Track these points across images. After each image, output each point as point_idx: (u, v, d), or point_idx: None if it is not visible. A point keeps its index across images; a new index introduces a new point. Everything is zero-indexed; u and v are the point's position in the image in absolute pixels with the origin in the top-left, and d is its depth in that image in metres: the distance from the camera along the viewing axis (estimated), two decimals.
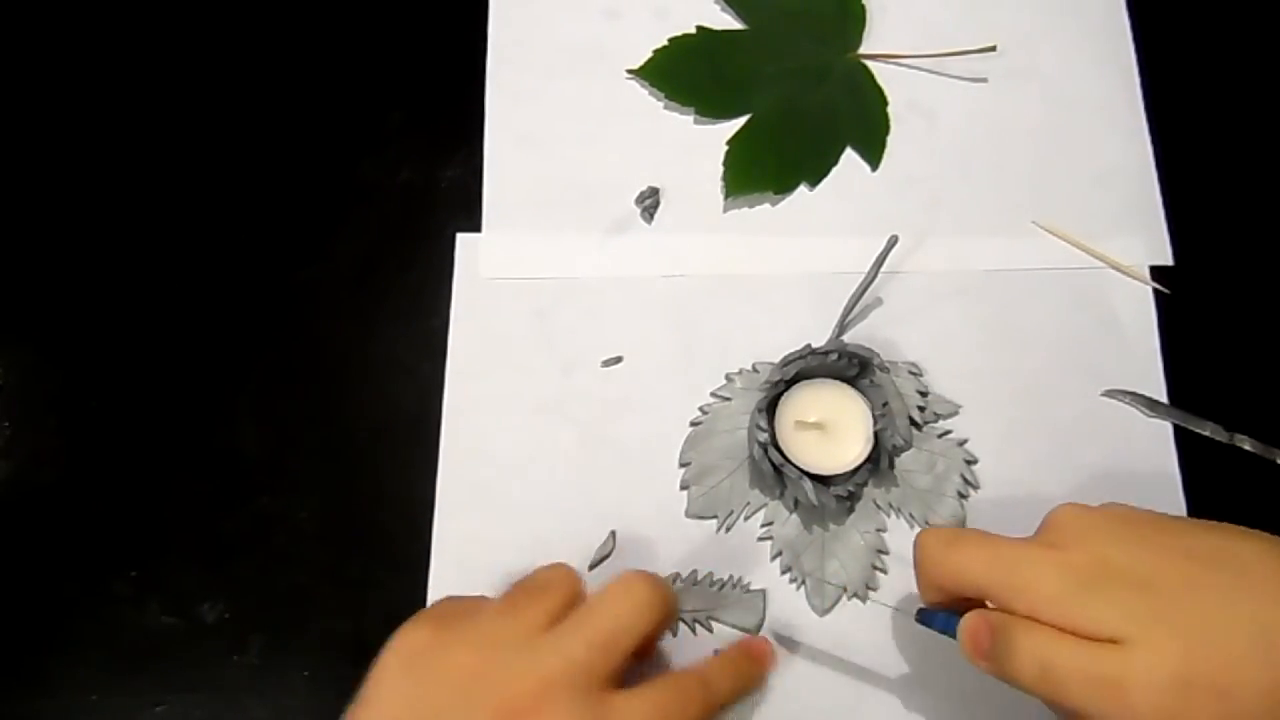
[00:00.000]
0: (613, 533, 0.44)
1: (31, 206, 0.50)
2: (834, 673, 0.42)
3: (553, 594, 0.37)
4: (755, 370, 0.46)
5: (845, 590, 0.43)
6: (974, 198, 0.49)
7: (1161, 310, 0.47)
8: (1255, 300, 0.47)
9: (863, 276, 0.46)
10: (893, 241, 0.46)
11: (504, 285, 0.47)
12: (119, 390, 0.47)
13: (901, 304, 0.47)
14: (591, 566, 0.43)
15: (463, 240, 0.48)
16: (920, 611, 0.38)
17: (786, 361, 0.43)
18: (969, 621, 0.35)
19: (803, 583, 0.43)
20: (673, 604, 0.38)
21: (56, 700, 0.38)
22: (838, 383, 0.43)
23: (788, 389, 0.43)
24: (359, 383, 0.47)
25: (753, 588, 0.43)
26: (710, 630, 0.43)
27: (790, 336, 0.45)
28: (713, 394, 0.46)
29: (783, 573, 0.43)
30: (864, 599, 0.43)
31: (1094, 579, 0.33)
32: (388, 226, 0.49)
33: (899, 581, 0.43)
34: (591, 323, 0.47)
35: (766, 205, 0.49)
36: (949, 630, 0.36)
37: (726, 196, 0.49)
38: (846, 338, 0.46)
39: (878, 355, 0.44)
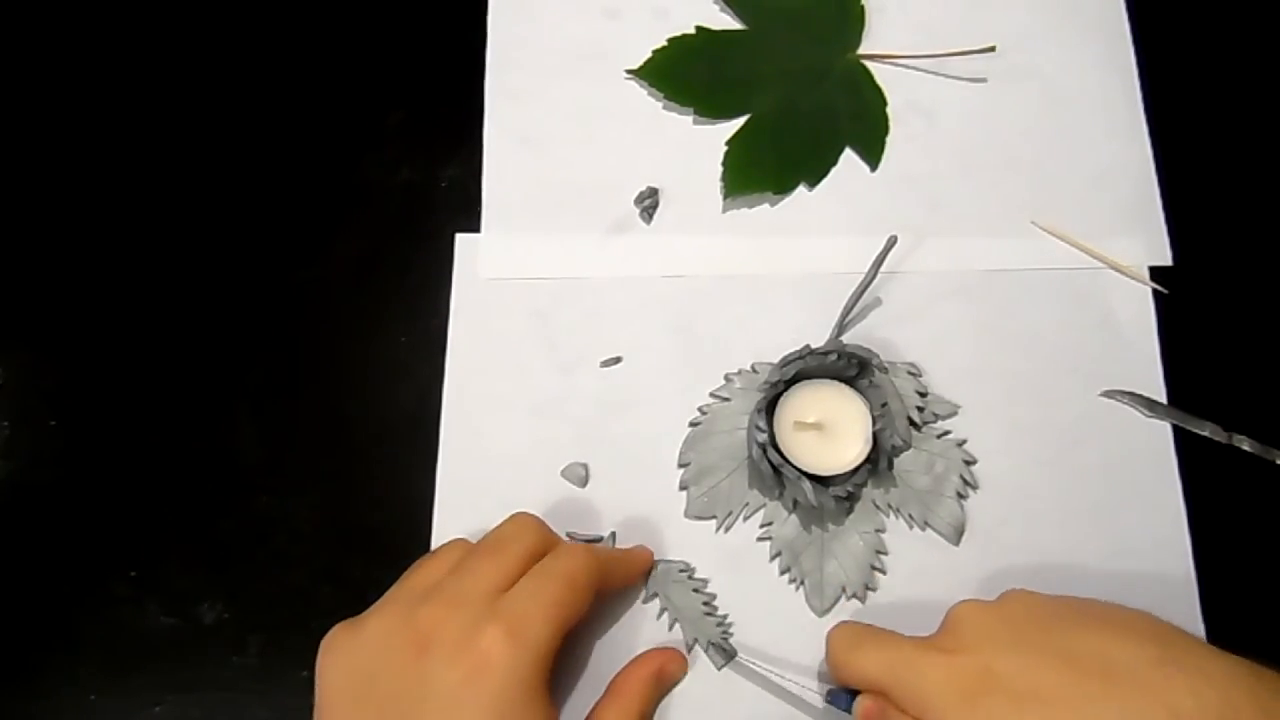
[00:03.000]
0: (613, 533, 0.44)
1: (31, 206, 0.50)
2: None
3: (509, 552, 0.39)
4: (754, 370, 0.46)
5: (844, 590, 0.43)
6: (974, 198, 0.49)
7: (1161, 310, 0.47)
8: (1255, 300, 0.47)
9: (862, 276, 0.46)
10: (892, 241, 0.46)
11: (504, 285, 0.47)
12: (119, 390, 0.47)
13: (901, 304, 0.47)
14: None
15: (462, 240, 0.48)
16: (830, 692, 0.40)
17: (786, 362, 0.43)
18: (862, 703, 0.38)
19: (802, 583, 0.43)
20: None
21: (56, 700, 0.38)
22: (837, 383, 0.43)
23: (787, 389, 0.43)
24: (359, 383, 0.47)
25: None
26: None
27: (790, 336, 0.45)
28: (712, 394, 0.46)
29: (781, 573, 0.43)
30: (863, 599, 0.43)
31: (977, 689, 0.35)
32: (388, 226, 0.49)
33: (897, 582, 0.43)
34: (591, 323, 0.47)
35: (766, 205, 0.49)
36: (848, 709, 0.38)
37: (726, 196, 0.49)
38: (846, 338, 0.46)
39: (877, 355, 0.44)
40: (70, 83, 0.52)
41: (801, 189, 0.49)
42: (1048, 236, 0.46)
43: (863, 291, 0.46)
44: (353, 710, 0.37)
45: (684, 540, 0.44)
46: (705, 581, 0.43)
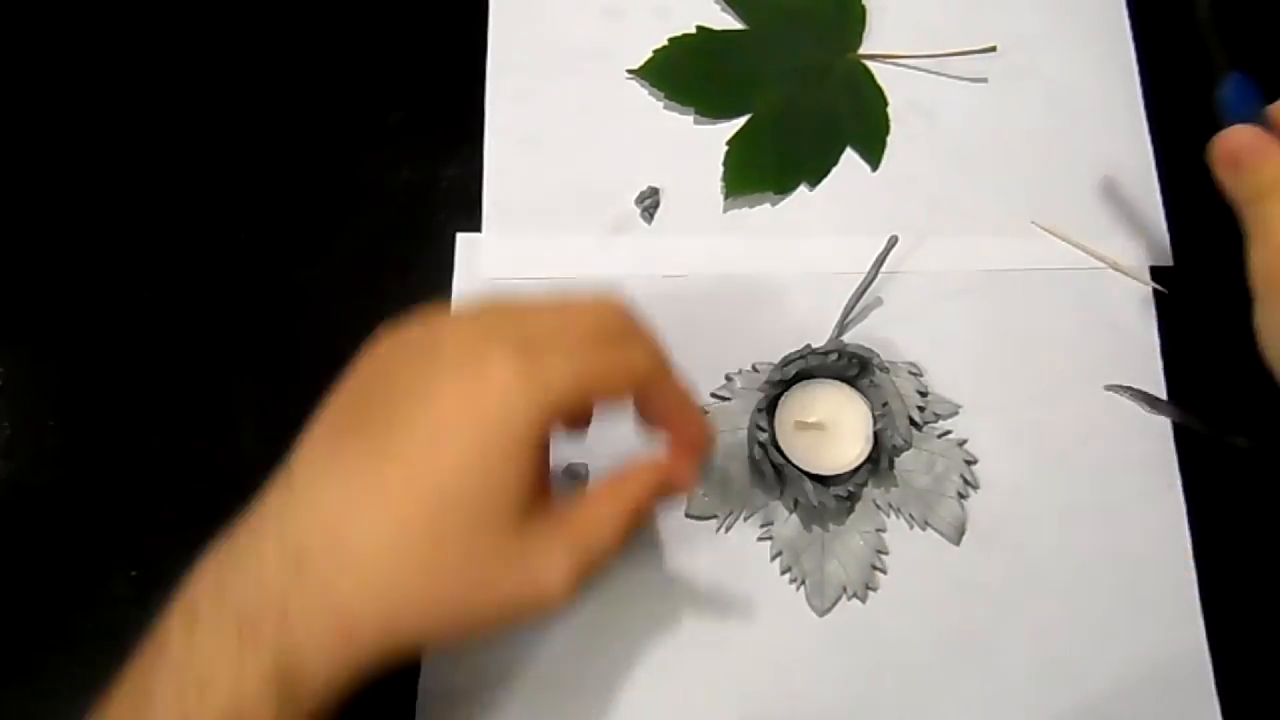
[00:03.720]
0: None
1: (31, 206, 0.50)
2: (834, 673, 0.42)
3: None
4: (755, 370, 0.46)
5: (845, 590, 0.43)
6: (974, 198, 0.49)
7: (1161, 310, 0.47)
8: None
9: (862, 276, 0.46)
10: (893, 241, 0.46)
11: (504, 285, 0.47)
12: (119, 390, 0.47)
13: (901, 304, 0.47)
14: None
15: (463, 240, 0.48)
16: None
17: (786, 361, 0.43)
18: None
19: (802, 582, 0.43)
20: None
21: (56, 700, 0.38)
22: (838, 383, 0.43)
23: (787, 389, 0.43)
24: None
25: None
26: None
27: (790, 336, 0.45)
28: (713, 394, 0.46)
29: (782, 573, 0.43)
30: (863, 599, 0.43)
31: None
32: (388, 226, 0.49)
33: (898, 581, 0.43)
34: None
35: (766, 205, 0.49)
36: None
37: (726, 196, 0.49)
38: (847, 337, 0.46)
39: (878, 355, 0.44)
40: (70, 83, 0.52)
41: (802, 189, 0.49)
42: (1048, 236, 0.46)
43: (864, 291, 0.46)
44: (345, 408, 0.34)
45: (684, 540, 0.44)
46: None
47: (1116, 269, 0.47)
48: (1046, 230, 0.47)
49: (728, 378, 0.46)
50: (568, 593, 0.32)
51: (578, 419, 0.38)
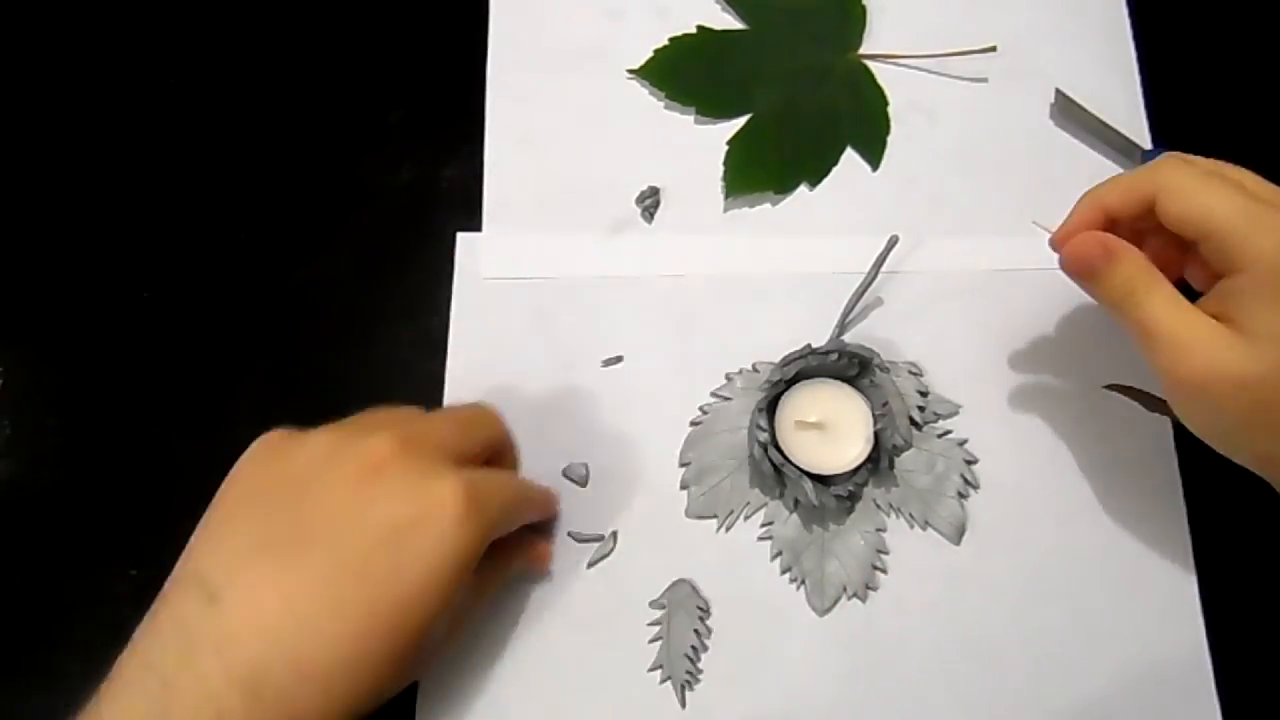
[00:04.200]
0: (613, 533, 0.44)
1: (31, 206, 0.50)
2: (834, 673, 0.42)
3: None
4: (755, 370, 0.46)
5: (845, 590, 0.43)
6: (974, 198, 0.49)
7: None
8: None
9: (863, 277, 0.46)
10: (893, 241, 0.46)
11: (504, 285, 0.47)
12: (119, 390, 0.47)
13: (901, 304, 0.47)
14: (590, 565, 0.43)
15: (463, 240, 0.48)
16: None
17: (786, 361, 0.43)
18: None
19: (803, 582, 0.43)
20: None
21: (55, 700, 0.38)
22: (838, 383, 0.43)
23: (788, 389, 0.43)
24: (359, 382, 0.47)
25: None
26: None
27: (790, 336, 0.45)
28: (713, 394, 0.46)
29: (783, 572, 0.43)
30: (864, 599, 0.43)
31: None
32: (388, 226, 0.49)
33: (898, 581, 0.43)
34: (591, 323, 0.47)
35: (767, 205, 0.49)
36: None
37: (727, 196, 0.49)
38: (847, 337, 0.46)
39: (878, 355, 0.44)
40: (70, 83, 0.52)
41: (803, 189, 0.49)
42: (1048, 236, 0.46)
43: (864, 291, 0.46)
44: (261, 519, 0.35)
45: (685, 540, 0.44)
46: (709, 631, 0.43)
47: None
48: (1046, 230, 0.47)
49: (728, 377, 0.46)
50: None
51: None
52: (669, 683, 0.42)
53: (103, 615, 0.43)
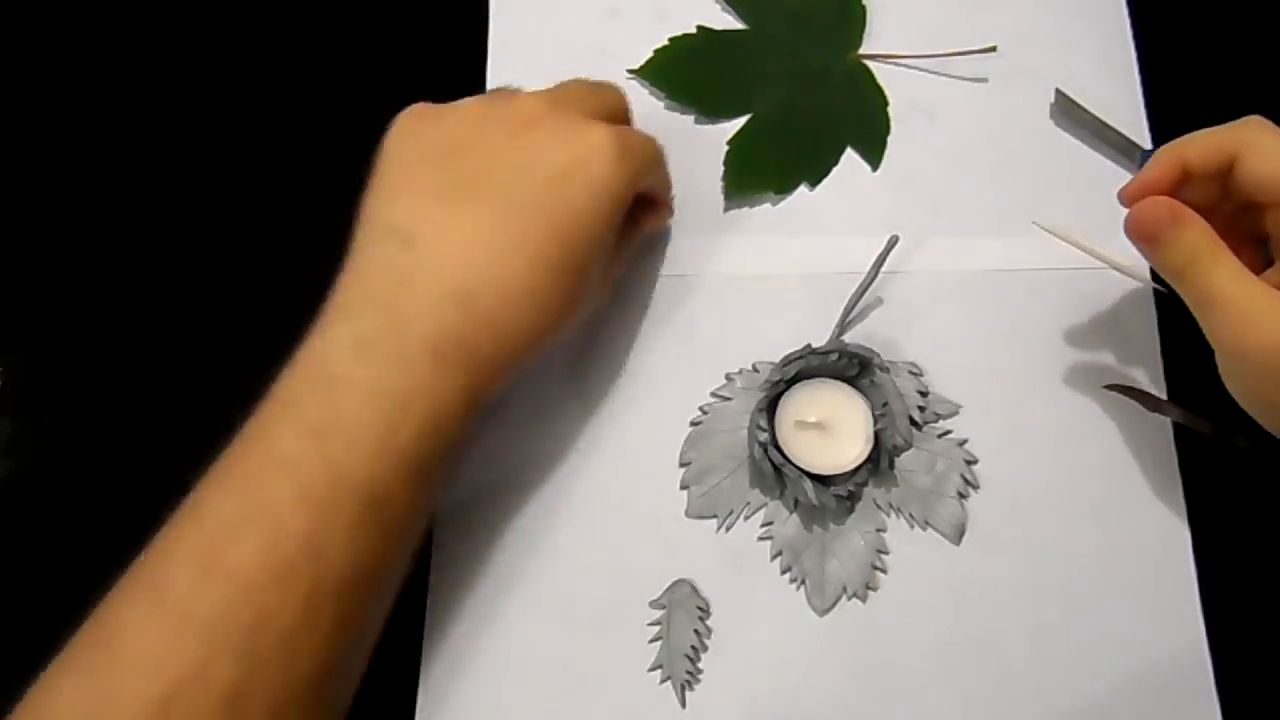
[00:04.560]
0: None
1: (31, 206, 0.50)
2: (834, 673, 0.42)
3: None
4: (755, 370, 0.46)
5: (845, 590, 0.43)
6: (974, 198, 0.49)
7: (1161, 310, 0.47)
8: None
9: (863, 277, 0.46)
10: (893, 241, 0.46)
11: None
12: (119, 390, 0.47)
13: (901, 304, 0.47)
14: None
15: None
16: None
17: (786, 361, 0.43)
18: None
19: (803, 583, 0.43)
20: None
21: None
22: (838, 383, 0.43)
23: (788, 389, 0.43)
24: None
25: None
26: None
27: (791, 336, 0.45)
28: (713, 393, 0.46)
29: (783, 572, 0.43)
30: (864, 599, 0.43)
31: None
32: None
33: (898, 581, 0.43)
34: (592, 322, 0.47)
35: (767, 205, 0.49)
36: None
37: (727, 197, 0.49)
38: (847, 337, 0.46)
39: (878, 355, 0.44)
40: (70, 83, 0.52)
41: (803, 189, 0.49)
42: (1048, 236, 0.46)
43: (864, 291, 0.46)
44: (432, 174, 0.39)
45: (685, 540, 0.44)
46: (709, 631, 0.43)
47: (1117, 269, 0.47)
48: (1046, 230, 0.47)
49: (728, 377, 0.46)
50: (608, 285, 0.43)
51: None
52: (669, 683, 0.42)
53: None
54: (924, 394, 0.45)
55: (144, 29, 0.52)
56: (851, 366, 0.43)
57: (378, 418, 0.35)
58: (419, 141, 0.40)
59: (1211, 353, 0.44)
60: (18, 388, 0.47)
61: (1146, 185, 0.39)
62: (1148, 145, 0.49)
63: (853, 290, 0.46)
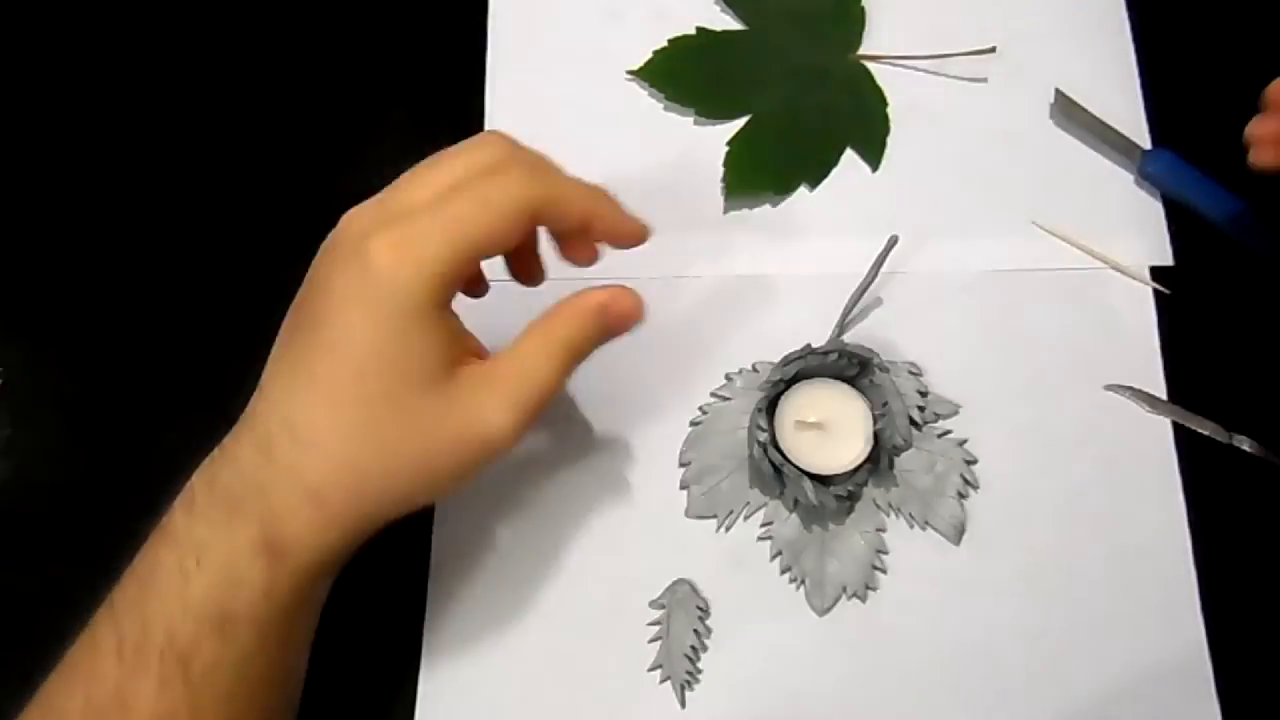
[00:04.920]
0: None
1: (31, 206, 0.50)
2: (834, 673, 0.42)
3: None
4: (755, 370, 0.46)
5: (845, 590, 0.43)
6: (974, 198, 0.49)
7: (1161, 310, 0.47)
8: (1255, 300, 0.47)
9: (862, 277, 0.46)
10: (893, 241, 0.46)
11: (499, 285, 0.47)
12: (120, 390, 0.47)
13: (901, 304, 0.47)
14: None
15: None
16: None
17: (786, 361, 0.43)
18: None
19: (802, 582, 0.43)
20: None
21: None
22: (838, 382, 0.43)
23: (788, 389, 0.43)
24: None
25: None
26: None
27: (790, 336, 0.45)
28: (713, 394, 0.46)
29: (782, 572, 0.43)
30: (864, 599, 0.43)
31: None
32: None
33: (898, 581, 0.43)
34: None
35: (767, 206, 0.49)
36: None
37: (727, 198, 0.49)
38: (847, 337, 0.46)
39: (878, 355, 0.44)
40: (70, 82, 0.52)
41: (803, 189, 0.49)
42: (1048, 236, 0.46)
43: (864, 291, 0.46)
44: (290, 317, 0.38)
45: (684, 540, 0.44)
46: (709, 631, 0.43)
47: (1117, 269, 0.47)
48: (1046, 230, 0.47)
49: (728, 377, 0.46)
50: (508, 430, 0.35)
51: (471, 279, 0.40)
52: (669, 683, 0.42)
53: None
54: (924, 394, 0.45)
55: (143, 29, 0.52)
56: (851, 366, 0.43)
57: (175, 568, 0.34)
58: (311, 271, 0.38)
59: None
60: (18, 388, 0.47)
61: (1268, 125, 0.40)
62: (1147, 145, 0.49)
63: (852, 290, 0.46)
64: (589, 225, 0.38)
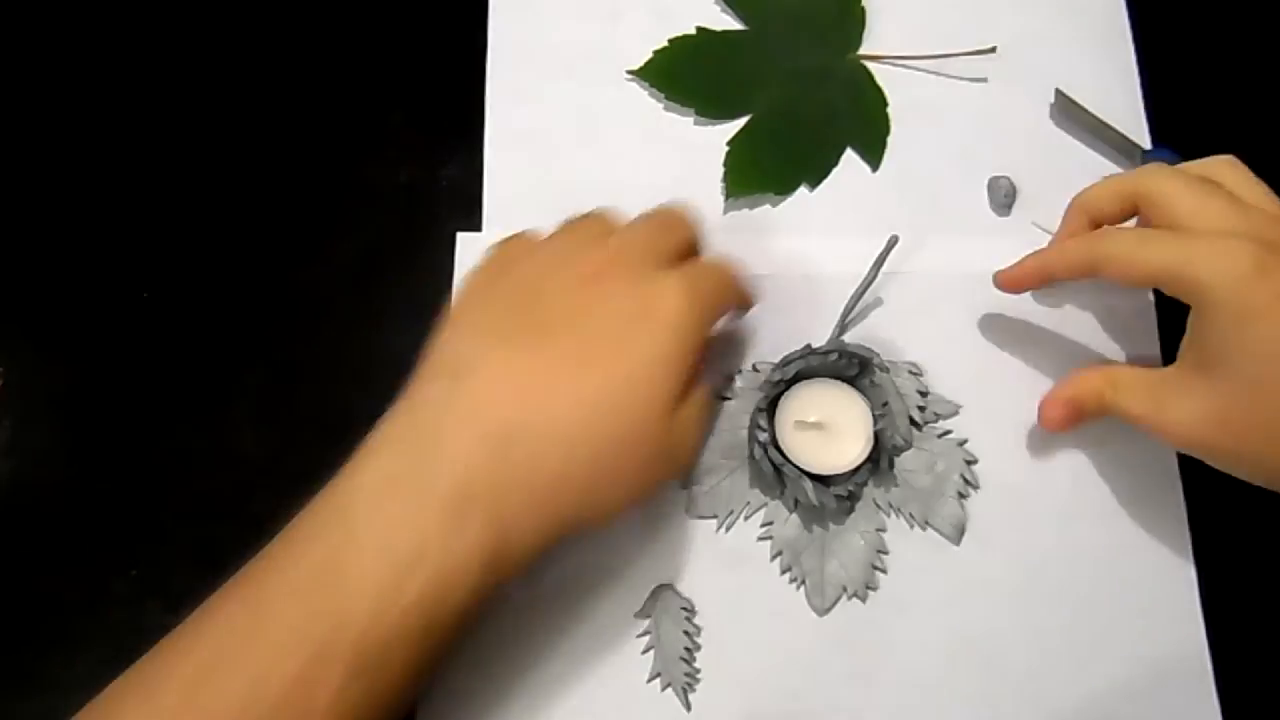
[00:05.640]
0: None
1: (32, 206, 0.50)
2: (834, 673, 0.42)
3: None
4: (756, 370, 0.46)
5: (845, 590, 0.43)
6: (974, 198, 0.49)
7: (1161, 311, 0.47)
8: None
9: (863, 277, 0.46)
10: (893, 241, 0.46)
11: None
12: (119, 390, 0.47)
13: (901, 304, 0.47)
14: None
15: (463, 239, 0.48)
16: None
17: (786, 361, 0.43)
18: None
19: (803, 582, 0.43)
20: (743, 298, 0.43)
21: (55, 700, 0.38)
22: (838, 382, 0.43)
23: (788, 389, 0.43)
24: (359, 383, 0.46)
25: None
26: None
27: (790, 336, 0.45)
28: (715, 393, 0.46)
29: (783, 572, 0.43)
30: (864, 599, 0.43)
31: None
32: (388, 226, 0.49)
33: (898, 581, 0.43)
34: None
35: (767, 206, 0.49)
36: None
37: (727, 197, 0.49)
38: (847, 337, 0.46)
39: (878, 355, 0.44)
40: (71, 83, 0.52)
41: (803, 189, 0.49)
42: (1047, 237, 0.46)
43: (864, 291, 0.46)
44: (500, 315, 0.38)
45: (685, 540, 0.44)
46: (699, 629, 0.43)
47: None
48: (1046, 231, 0.47)
49: (728, 378, 0.46)
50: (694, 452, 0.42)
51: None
52: (670, 689, 0.42)
53: (103, 615, 0.43)
54: (924, 394, 0.45)
55: (144, 30, 0.52)
56: (851, 366, 0.43)
57: (384, 570, 0.33)
58: (494, 281, 0.40)
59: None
60: (18, 388, 0.47)
61: (1064, 235, 0.43)
62: (1147, 145, 0.49)
63: (853, 290, 0.46)
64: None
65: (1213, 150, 0.43)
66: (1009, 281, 0.44)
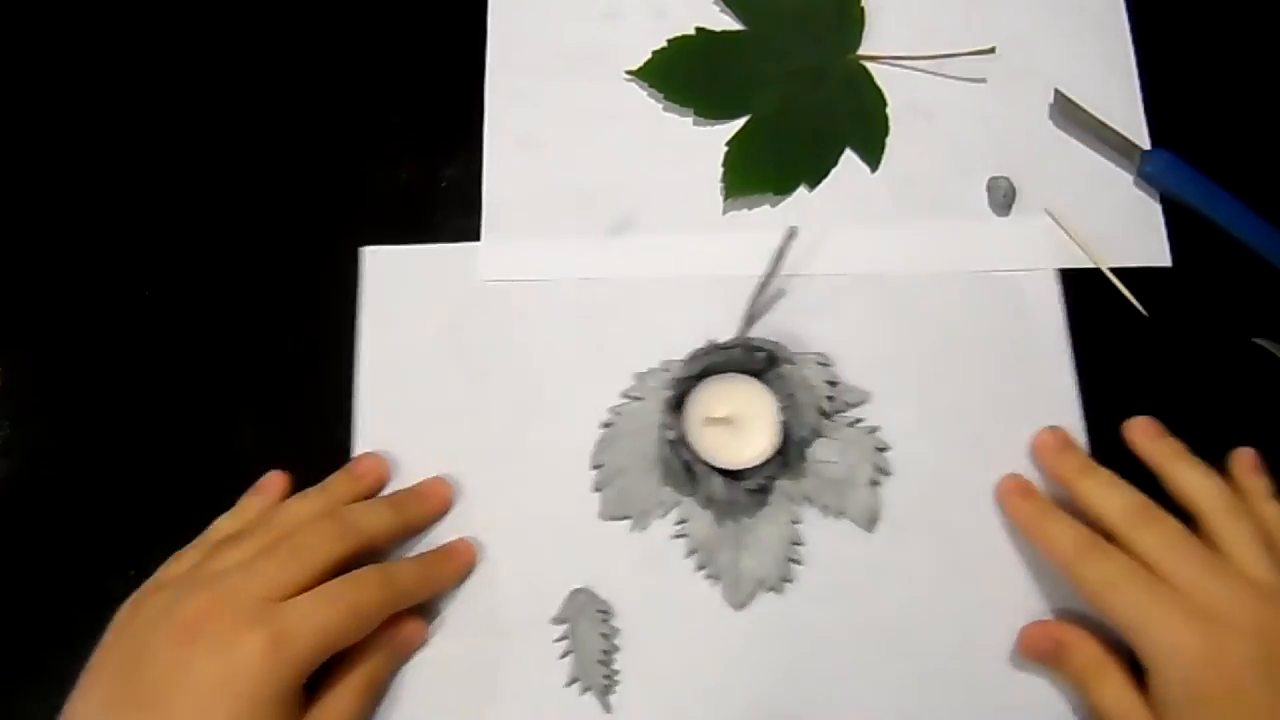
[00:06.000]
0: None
1: (31, 206, 0.50)
2: (755, 667, 0.42)
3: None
4: (665, 369, 0.46)
5: (761, 584, 0.43)
6: (974, 198, 0.49)
7: (1159, 311, 0.47)
8: (1255, 301, 0.47)
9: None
10: (792, 233, 0.46)
11: (413, 296, 0.47)
12: (119, 390, 0.47)
13: (810, 298, 0.47)
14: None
15: (368, 254, 0.48)
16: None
17: (692, 357, 0.43)
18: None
19: (719, 579, 0.43)
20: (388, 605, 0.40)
21: (55, 700, 0.38)
22: (745, 377, 0.43)
23: (695, 385, 0.43)
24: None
25: None
26: None
27: (701, 334, 0.45)
28: (623, 394, 0.45)
29: (698, 570, 0.43)
30: (780, 591, 0.43)
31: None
32: (387, 226, 0.49)
33: (815, 572, 0.43)
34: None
35: (766, 206, 0.49)
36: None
37: (726, 198, 0.49)
38: (754, 333, 0.46)
39: (783, 347, 0.44)
40: (71, 84, 0.52)
41: (802, 190, 0.49)
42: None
43: (767, 284, 0.46)
44: (109, 681, 0.38)
45: (600, 542, 0.44)
46: (617, 631, 0.43)
47: (1110, 274, 0.47)
48: (1056, 220, 0.47)
49: (638, 377, 0.46)
50: None
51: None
52: (589, 693, 0.42)
53: (103, 615, 0.43)
54: (833, 384, 0.45)
55: (144, 30, 0.53)
56: (758, 360, 0.43)
57: None
58: (117, 640, 0.39)
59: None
60: (18, 388, 0.47)
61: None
62: (1147, 145, 0.49)
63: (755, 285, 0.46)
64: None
65: (1212, 150, 0.43)
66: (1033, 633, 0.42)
